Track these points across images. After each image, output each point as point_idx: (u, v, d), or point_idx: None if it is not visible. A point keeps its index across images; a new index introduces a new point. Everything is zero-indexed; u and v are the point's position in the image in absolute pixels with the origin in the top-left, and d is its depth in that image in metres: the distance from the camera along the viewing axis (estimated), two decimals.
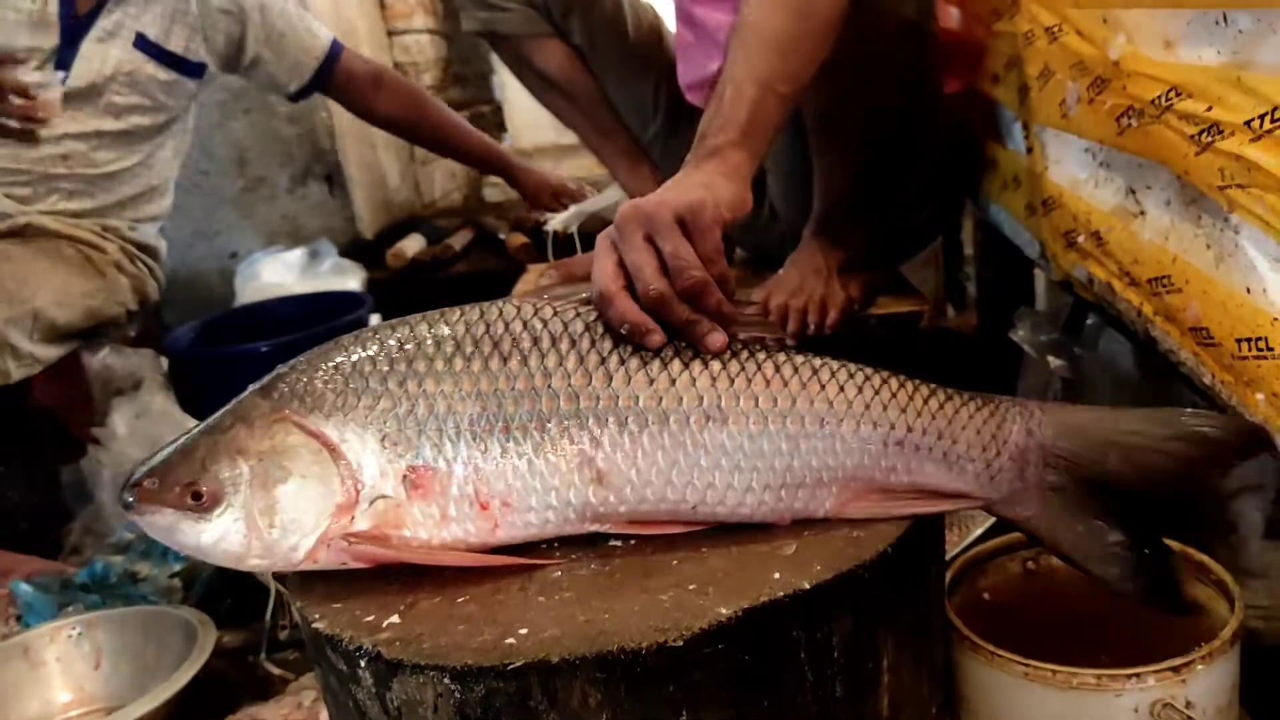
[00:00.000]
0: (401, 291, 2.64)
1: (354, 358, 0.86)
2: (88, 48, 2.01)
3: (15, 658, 1.49)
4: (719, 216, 0.91)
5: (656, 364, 0.85)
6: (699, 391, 0.85)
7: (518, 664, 0.72)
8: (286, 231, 2.97)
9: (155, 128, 2.14)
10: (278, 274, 2.61)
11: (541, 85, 1.88)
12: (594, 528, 0.86)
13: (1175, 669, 0.93)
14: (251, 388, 0.88)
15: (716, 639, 0.74)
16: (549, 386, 0.84)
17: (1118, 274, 1.09)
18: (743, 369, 0.86)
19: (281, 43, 2.23)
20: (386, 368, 0.85)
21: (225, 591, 1.65)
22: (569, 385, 0.84)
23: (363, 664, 0.77)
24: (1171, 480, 0.89)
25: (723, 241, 0.91)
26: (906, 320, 1.60)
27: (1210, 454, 0.88)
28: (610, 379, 0.84)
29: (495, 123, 3.29)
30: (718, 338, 0.86)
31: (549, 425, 0.83)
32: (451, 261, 2.78)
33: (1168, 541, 0.95)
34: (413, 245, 2.82)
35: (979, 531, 1.29)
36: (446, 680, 0.73)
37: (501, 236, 2.87)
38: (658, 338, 0.85)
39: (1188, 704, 0.94)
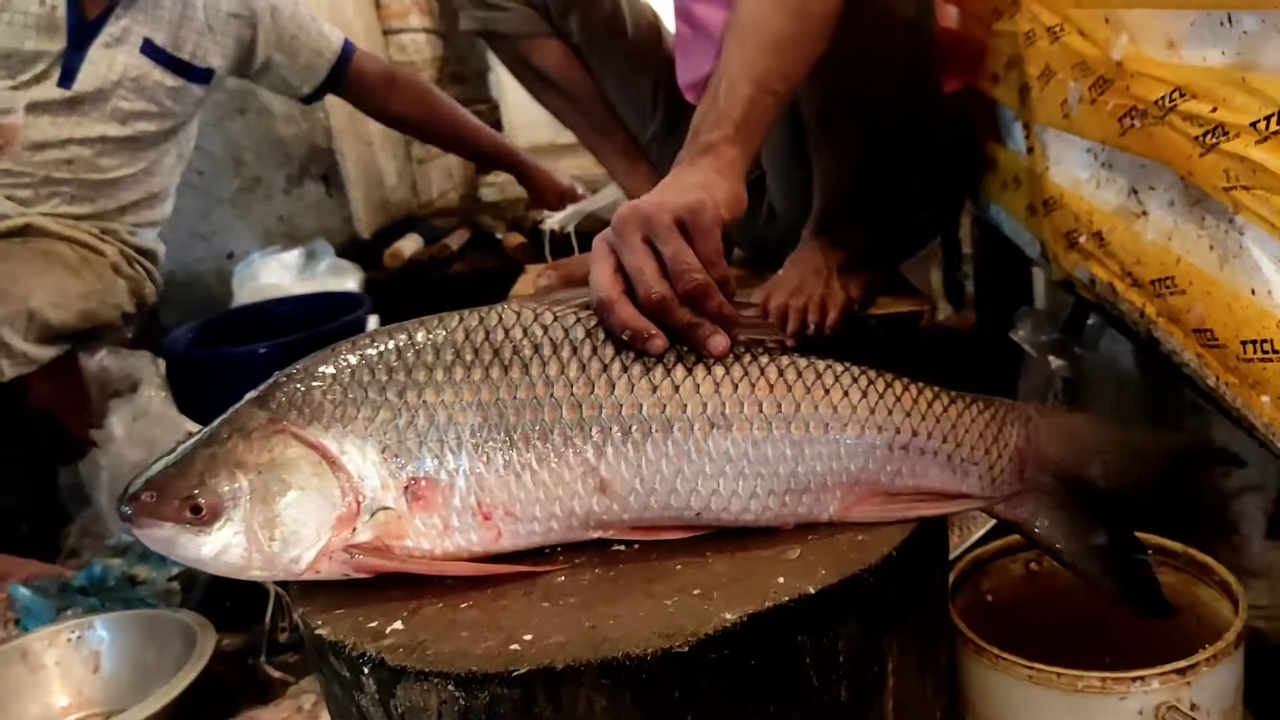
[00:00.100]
0: (399, 292, 2.64)
1: (352, 367, 0.86)
2: (95, 53, 2.00)
3: (14, 661, 1.49)
4: (718, 217, 0.90)
5: (659, 370, 0.85)
6: (702, 398, 0.84)
7: (522, 670, 0.72)
8: (283, 232, 2.96)
9: (161, 134, 2.13)
10: (275, 274, 2.60)
11: (540, 85, 1.88)
12: (597, 534, 0.86)
13: (1180, 671, 0.93)
14: (248, 397, 0.87)
15: (722, 644, 0.74)
16: (551, 395, 0.83)
17: (1120, 275, 1.09)
18: (745, 374, 0.85)
19: (293, 45, 2.22)
20: (385, 377, 0.84)
21: (224, 594, 1.64)
22: (571, 394, 0.83)
23: (366, 671, 0.77)
24: (1143, 488, 0.93)
25: (721, 242, 0.91)
26: (907, 320, 1.60)
27: (1175, 466, 0.96)
28: (613, 387, 0.84)
29: (492, 122, 3.27)
30: (720, 341, 0.85)
31: (552, 435, 0.83)
32: (449, 261, 2.77)
33: (1145, 543, 1.01)
34: (410, 245, 2.81)
35: (980, 533, 1.29)
36: (451, 687, 0.73)
37: (499, 236, 2.86)
38: (660, 343, 0.85)
39: (1193, 706, 0.94)
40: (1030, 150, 1.34)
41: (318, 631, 0.80)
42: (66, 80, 1.99)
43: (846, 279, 1.56)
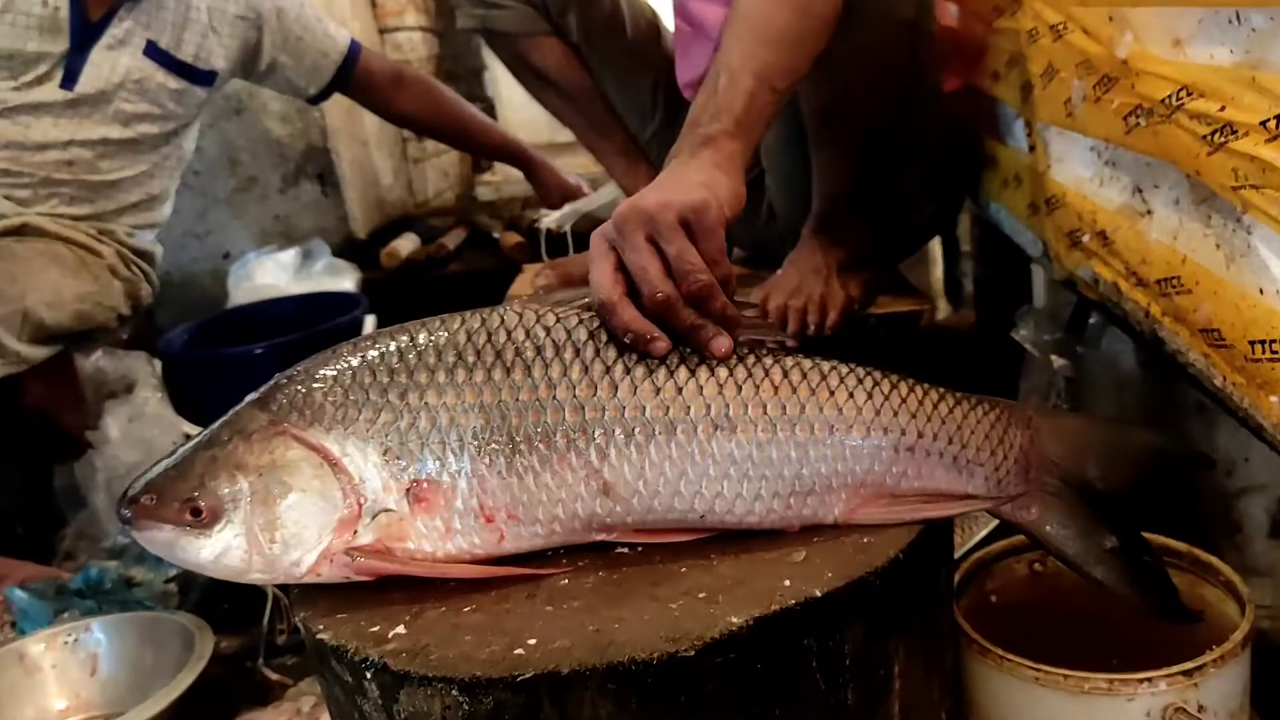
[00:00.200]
0: (396, 291, 2.63)
1: (353, 368, 0.85)
2: (98, 54, 1.99)
3: (11, 664, 1.48)
4: (722, 216, 0.89)
5: (662, 372, 0.84)
6: (705, 400, 0.84)
7: (527, 675, 0.71)
8: (279, 231, 2.94)
9: (162, 136, 2.12)
10: (271, 274, 2.59)
11: (538, 83, 1.87)
12: (600, 537, 0.85)
13: (1187, 673, 0.93)
14: (249, 399, 0.86)
15: (728, 648, 0.73)
16: (553, 398, 0.83)
17: (1124, 274, 1.09)
18: (749, 375, 0.85)
19: (299, 47, 2.21)
20: (387, 379, 0.84)
21: (222, 596, 1.64)
22: (574, 396, 0.83)
23: (369, 675, 0.76)
24: (1133, 488, 0.94)
25: (725, 240, 0.90)
26: (907, 319, 1.59)
27: (1160, 466, 0.98)
28: (615, 389, 0.83)
29: None
30: (723, 342, 0.85)
31: (554, 437, 0.82)
32: (446, 261, 2.76)
33: (1151, 543, 1.01)
34: (406, 245, 2.80)
35: (983, 534, 1.29)
36: (455, 692, 0.72)
37: (495, 235, 2.85)
38: (663, 345, 0.84)
39: (1200, 708, 0.93)
40: (1032, 148, 1.34)
41: (319, 636, 0.79)
42: (69, 82, 1.98)
43: (846, 278, 1.55)
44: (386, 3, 3.17)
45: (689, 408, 0.83)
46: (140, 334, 2.29)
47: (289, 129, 2.91)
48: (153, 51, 2.04)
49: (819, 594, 0.76)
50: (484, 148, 2.52)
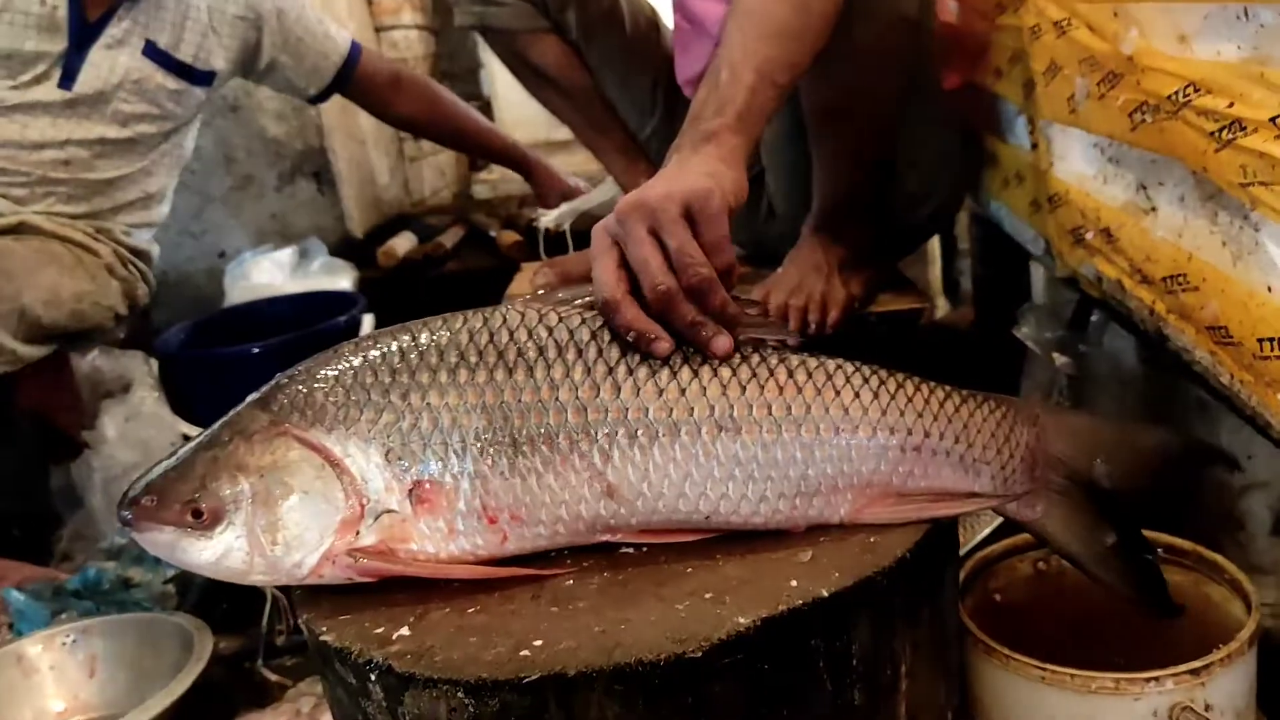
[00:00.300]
0: (393, 290, 2.62)
1: (355, 368, 0.84)
2: (96, 54, 1.98)
3: (9, 666, 1.47)
4: (725, 205, 0.89)
5: (665, 373, 0.84)
6: (710, 401, 0.83)
7: (533, 677, 0.71)
8: (275, 230, 2.93)
9: (161, 135, 2.11)
10: (267, 274, 2.57)
11: (537, 81, 1.86)
12: (605, 538, 0.85)
13: (1194, 671, 0.92)
14: (249, 399, 0.86)
15: (735, 649, 0.73)
16: (556, 399, 0.82)
17: (1128, 271, 1.08)
18: (754, 375, 0.84)
19: (299, 48, 2.20)
20: (389, 379, 0.83)
21: (220, 597, 1.63)
22: (576, 398, 0.82)
23: (373, 677, 0.75)
24: (1142, 486, 0.94)
25: (729, 229, 0.89)
26: (908, 317, 1.59)
27: (1172, 464, 0.97)
28: (619, 390, 0.83)
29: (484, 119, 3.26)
30: (723, 342, 0.84)
31: (557, 439, 0.81)
32: (443, 260, 2.75)
33: (1154, 542, 1.02)
34: (404, 244, 2.79)
35: (986, 532, 1.29)
36: (460, 694, 0.72)
37: (493, 234, 2.84)
38: (665, 345, 0.83)
39: (1207, 707, 0.93)
40: (1034, 146, 1.34)
41: (323, 637, 0.79)
42: (67, 81, 1.97)
43: (847, 276, 1.54)
44: (383, 1, 3.16)
45: (692, 409, 0.83)
46: (137, 333, 2.28)
47: (285, 127, 2.90)
48: (151, 51, 2.03)
49: (826, 594, 0.76)
50: (482, 150, 2.52)
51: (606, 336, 0.85)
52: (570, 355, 0.84)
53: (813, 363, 0.85)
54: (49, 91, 1.97)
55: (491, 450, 0.81)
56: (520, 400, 0.82)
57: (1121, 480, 0.92)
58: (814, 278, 1.51)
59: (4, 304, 1.79)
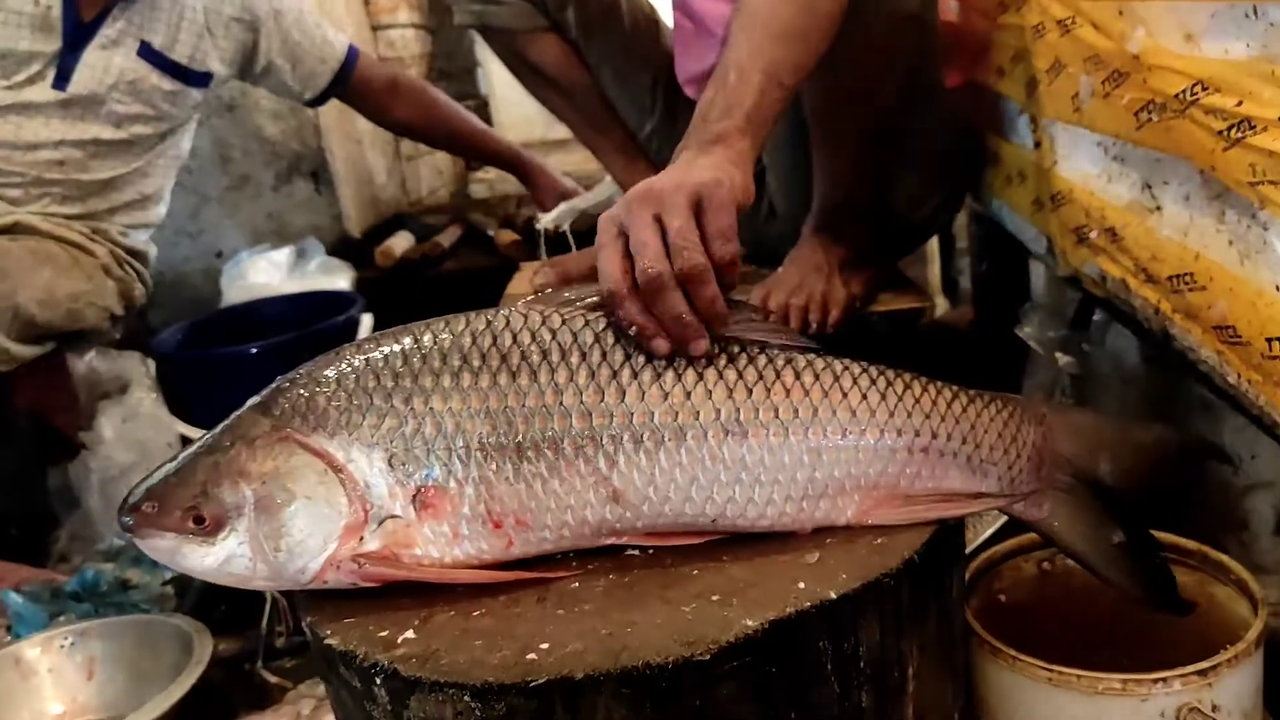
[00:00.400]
0: (391, 290, 2.60)
1: (357, 372, 0.84)
2: (90, 55, 1.97)
3: (7, 669, 1.47)
4: (734, 196, 0.88)
5: (670, 376, 0.83)
6: (715, 404, 0.82)
7: (540, 681, 0.71)
8: (272, 230, 2.92)
9: (156, 136, 2.10)
10: (264, 273, 2.56)
11: (536, 80, 1.86)
12: (611, 541, 0.84)
13: (1202, 672, 0.92)
14: (250, 403, 0.85)
15: (743, 652, 0.72)
16: (560, 404, 0.81)
17: (1133, 270, 1.08)
18: (760, 378, 0.84)
19: (296, 52, 2.19)
20: (391, 383, 0.82)
21: (219, 598, 1.62)
22: (581, 402, 0.82)
23: (378, 681, 0.75)
24: (1146, 484, 0.94)
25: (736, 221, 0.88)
26: (908, 317, 1.58)
27: (1174, 462, 0.99)
28: (624, 394, 0.82)
29: (481, 118, 3.24)
30: (701, 345, 0.83)
31: (562, 444, 0.81)
32: (441, 259, 2.74)
33: (1160, 541, 1.00)
34: (401, 243, 2.78)
35: (989, 532, 1.28)
36: (467, 698, 0.71)
37: (490, 234, 2.83)
38: (664, 345, 0.83)
39: (1214, 707, 0.93)
40: (1037, 144, 1.33)
41: (327, 641, 0.78)
42: (61, 82, 1.96)
43: (848, 276, 1.54)
44: (379, 0, 3.15)
45: (698, 413, 0.82)
46: (134, 334, 2.27)
47: (282, 126, 2.89)
48: (146, 52, 2.02)
49: (834, 596, 0.76)
50: (478, 154, 2.51)
51: (611, 339, 0.84)
52: (574, 358, 0.83)
53: (819, 364, 0.85)
54: (43, 92, 1.96)
55: (496, 455, 0.81)
56: (524, 405, 0.81)
57: (1125, 478, 0.92)
58: (815, 277, 1.51)
59: None
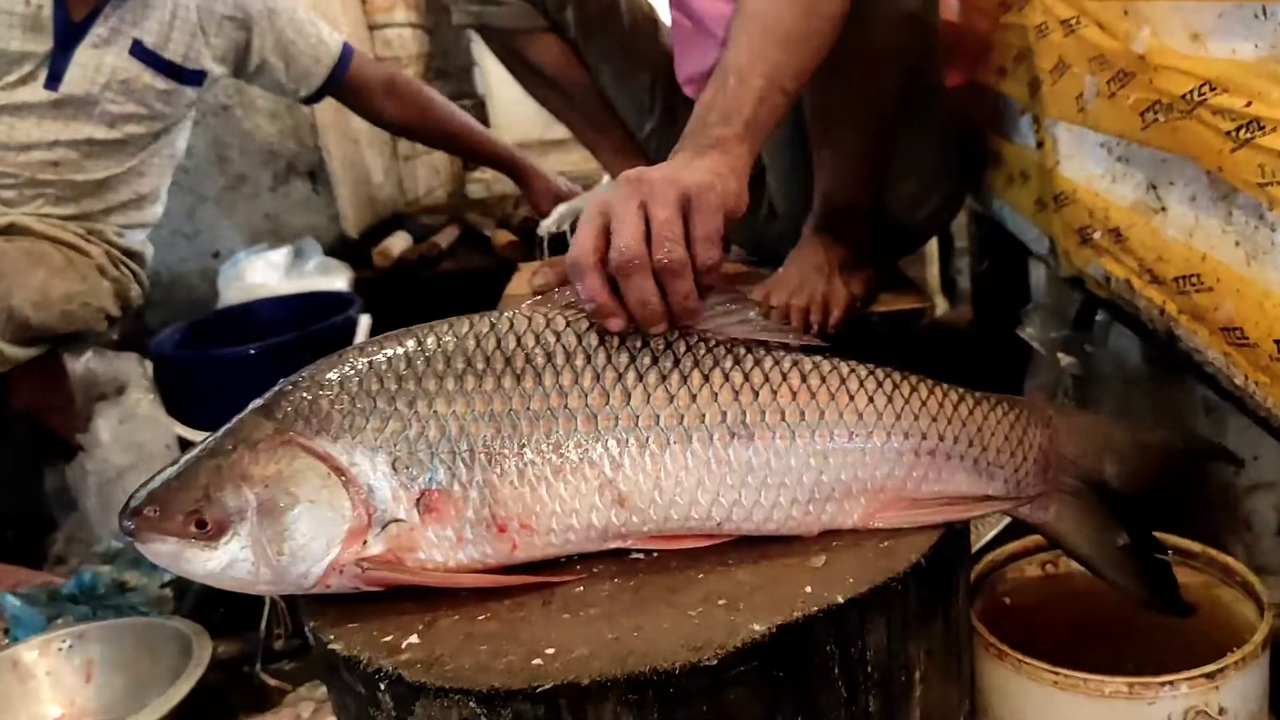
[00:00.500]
0: (389, 290, 2.60)
1: (360, 375, 0.83)
2: (82, 54, 1.96)
3: (4, 672, 1.46)
4: (722, 203, 0.87)
5: (676, 378, 0.82)
6: (721, 406, 0.82)
7: (547, 686, 0.70)
8: (269, 230, 2.91)
9: (150, 135, 2.09)
10: (262, 274, 2.55)
11: (535, 80, 1.85)
12: (616, 545, 0.83)
13: (1209, 675, 0.92)
14: (253, 406, 0.84)
15: (750, 657, 0.72)
16: (565, 407, 0.81)
17: (1138, 271, 1.08)
18: (766, 380, 0.83)
19: (290, 50, 2.19)
20: (395, 386, 0.82)
21: (218, 601, 1.61)
22: (586, 405, 0.81)
23: (383, 687, 0.74)
24: (1152, 486, 0.93)
25: (723, 227, 0.88)
26: (909, 317, 1.58)
27: (1180, 464, 0.99)
28: (629, 397, 0.81)
29: (478, 118, 3.23)
30: (660, 327, 0.82)
31: (567, 447, 0.80)
32: (438, 260, 2.74)
33: (1164, 543, 1.00)
34: (399, 243, 2.78)
35: (992, 534, 1.28)
36: (473, 704, 0.71)
37: (487, 234, 2.83)
38: (618, 323, 0.82)
39: (1221, 710, 0.93)
40: (1040, 145, 1.33)
41: (330, 646, 0.78)
42: (53, 82, 1.95)
43: (848, 276, 1.53)
44: None
45: (704, 415, 0.82)
46: (131, 335, 2.26)
47: (279, 126, 2.88)
48: (139, 51, 2.00)
49: (841, 600, 0.75)
50: (473, 154, 2.51)
51: (615, 341, 0.84)
52: (579, 360, 0.83)
53: (825, 366, 0.84)
54: (35, 92, 1.95)
55: (500, 458, 0.80)
56: (529, 407, 0.81)
57: (1130, 481, 0.92)
58: (815, 278, 1.50)
59: None
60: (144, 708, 1.29)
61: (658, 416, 0.81)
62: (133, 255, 2.14)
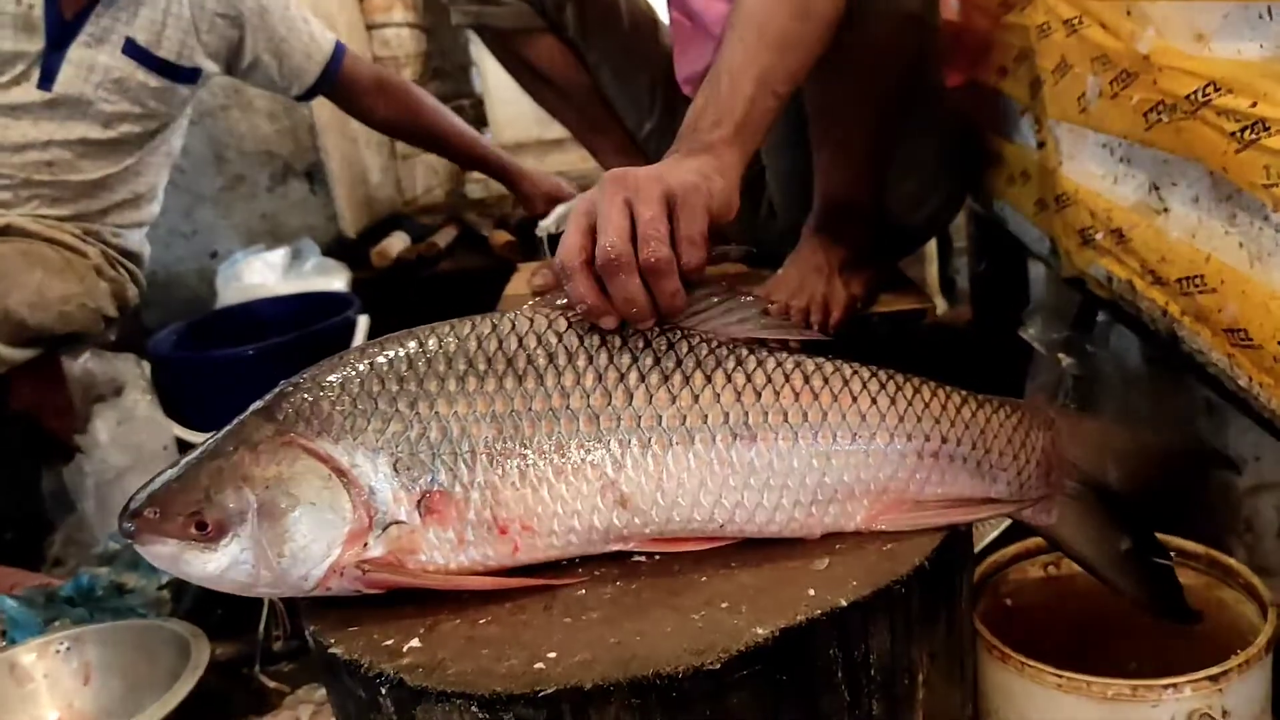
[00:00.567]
0: (387, 291, 2.59)
1: (361, 376, 0.83)
2: (75, 53, 1.95)
3: (2, 674, 1.44)
4: (708, 205, 0.87)
5: (678, 379, 0.82)
6: (724, 407, 0.82)
7: (549, 690, 0.70)
8: (267, 230, 2.91)
9: (146, 134, 2.08)
10: (260, 274, 2.55)
11: (534, 81, 1.85)
12: (618, 547, 0.83)
13: (1213, 678, 0.92)
14: (253, 407, 0.84)
15: (754, 660, 0.72)
16: (567, 407, 0.81)
17: (1140, 272, 1.07)
18: (769, 381, 0.83)
19: (282, 48, 2.18)
20: (396, 387, 0.81)
21: (216, 602, 1.60)
22: (588, 406, 0.81)
23: (384, 691, 0.74)
24: (1154, 489, 0.93)
25: (717, 238, 0.87)
26: (910, 317, 1.58)
27: (1181, 467, 1.00)
28: (631, 397, 0.81)
29: (476, 117, 3.24)
30: (647, 322, 0.82)
31: (569, 448, 0.80)
32: (437, 260, 2.73)
33: (1166, 545, 1.01)
34: (397, 244, 2.77)
35: (993, 535, 1.27)
36: (474, 708, 0.71)
37: (485, 234, 2.82)
38: (610, 322, 0.82)
39: (1224, 713, 0.92)
40: (1041, 145, 1.32)
41: (331, 650, 0.77)
42: (46, 81, 1.94)
43: (848, 277, 1.53)
44: None
45: (706, 416, 0.81)
46: (128, 336, 2.25)
47: (277, 126, 2.88)
48: (131, 49, 2.00)
49: (844, 603, 0.75)
50: (463, 157, 2.51)
51: (617, 342, 0.84)
52: (581, 361, 0.82)
53: (829, 368, 0.84)
54: (28, 92, 1.94)
55: (501, 460, 0.80)
56: (530, 409, 0.81)
57: (1133, 484, 0.92)
58: (815, 278, 1.50)
59: None
60: (142, 710, 1.28)
61: (660, 417, 0.81)
62: (130, 255, 2.13)
